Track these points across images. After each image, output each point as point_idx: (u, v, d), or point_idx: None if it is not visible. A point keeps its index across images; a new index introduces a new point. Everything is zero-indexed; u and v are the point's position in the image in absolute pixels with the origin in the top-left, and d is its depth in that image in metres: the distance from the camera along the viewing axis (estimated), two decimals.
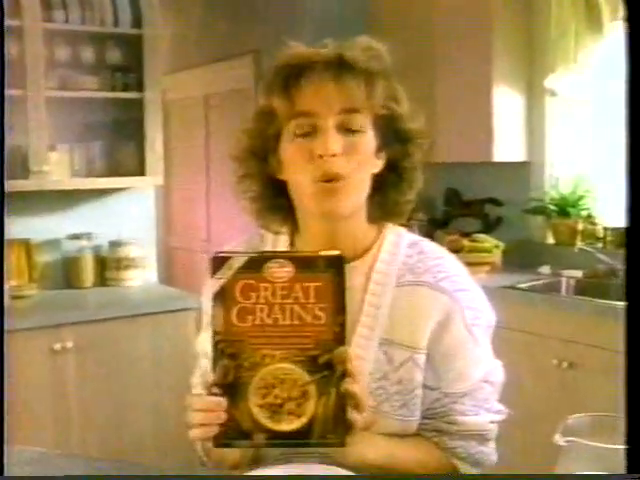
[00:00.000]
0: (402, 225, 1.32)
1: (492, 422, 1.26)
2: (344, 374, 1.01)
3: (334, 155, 1.14)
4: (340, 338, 1.01)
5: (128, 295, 3.48)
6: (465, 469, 1.25)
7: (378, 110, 1.19)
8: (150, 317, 3.20)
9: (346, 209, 1.18)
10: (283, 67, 1.19)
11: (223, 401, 1.01)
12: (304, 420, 1.00)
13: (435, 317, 1.21)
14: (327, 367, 1.00)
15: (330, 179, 1.15)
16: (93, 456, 2.74)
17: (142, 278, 3.64)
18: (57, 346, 2.96)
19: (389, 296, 1.23)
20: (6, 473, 1.00)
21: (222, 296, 1.02)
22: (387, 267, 1.24)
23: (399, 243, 1.27)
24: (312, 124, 1.16)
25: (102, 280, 3.57)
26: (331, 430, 1.01)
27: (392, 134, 1.22)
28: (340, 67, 1.16)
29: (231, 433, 1.02)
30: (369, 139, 1.19)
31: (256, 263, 1.01)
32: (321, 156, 1.14)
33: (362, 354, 1.20)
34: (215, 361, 1.02)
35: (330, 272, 1.01)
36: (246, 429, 1.01)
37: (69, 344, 2.99)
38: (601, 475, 0.79)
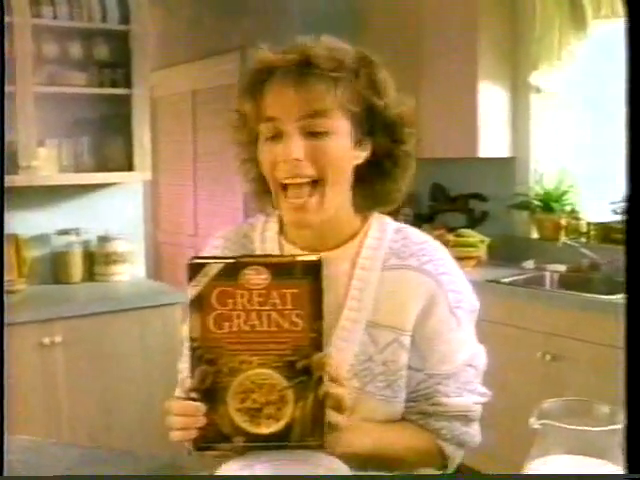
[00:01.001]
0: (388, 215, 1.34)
1: (476, 403, 1.28)
2: (321, 378, 1.02)
3: (298, 160, 1.15)
4: (317, 344, 1.01)
5: (116, 290, 3.48)
6: (450, 450, 1.28)
7: (351, 107, 1.18)
8: (138, 312, 3.22)
9: (318, 218, 1.19)
10: (251, 72, 1.20)
11: (201, 406, 1.02)
12: (282, 423, 1.02)
13: (420, 300, 1.23)
14: (304, 372, 1.01)
15: (296, 177, 1.16)
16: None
17: (130, 273, 3.65)
18: (46, 340, 2.98)
19: (375, 280, 1.25)
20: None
21: (199, 303, 1.01)
22: (374, 252, 1.26)
23: (385, 229, 1.29)
24: (277, 129, 1.17)
25: (90, 275, 3.58)
26: (309, 433, 1.02)
27: (379, 124, 1.22)
28: (303, 71, 1.15)
29: (211, 436, 1.03)
30: (339, 140, 1.18)
31: (232, 270, 1.01)
32: (285, 161, 1.16)
33: (349, 337, 1.23)
34: (193, 367, 1.02)
35: (307, 278, 1.00)
36: (226, 432, 1.03)
37: (58, 338, 3.00)
38: (601, 475, 0.81)
